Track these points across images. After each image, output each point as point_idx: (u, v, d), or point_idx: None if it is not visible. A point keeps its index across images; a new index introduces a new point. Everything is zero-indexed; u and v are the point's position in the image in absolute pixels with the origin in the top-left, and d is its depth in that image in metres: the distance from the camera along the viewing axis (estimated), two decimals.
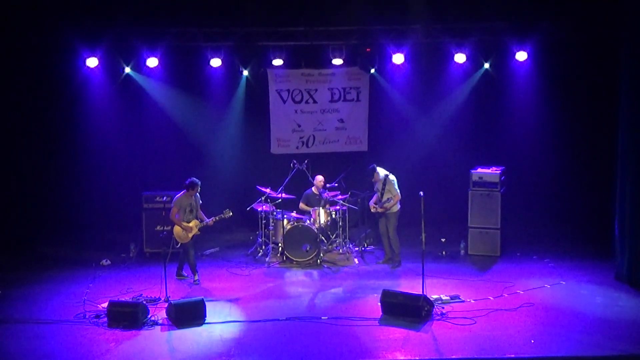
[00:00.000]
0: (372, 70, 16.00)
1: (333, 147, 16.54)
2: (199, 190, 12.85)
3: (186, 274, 13.12)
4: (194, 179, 12.79)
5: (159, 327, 10.82)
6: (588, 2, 14.19)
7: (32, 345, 10.16)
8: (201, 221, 12.93)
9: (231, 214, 13.05)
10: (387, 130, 16.54)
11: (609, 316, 11.00)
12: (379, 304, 11.20)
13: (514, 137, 16.05)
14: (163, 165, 16.16)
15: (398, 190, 13.56)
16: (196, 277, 12.93)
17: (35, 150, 15.58)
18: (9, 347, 10.11)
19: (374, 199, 13.86)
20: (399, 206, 13.68)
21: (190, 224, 12.82)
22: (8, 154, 15.28)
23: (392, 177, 13.63)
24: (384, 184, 13.57)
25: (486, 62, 15.65)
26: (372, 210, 13.92)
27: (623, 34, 12.73)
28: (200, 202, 12.99)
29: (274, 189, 14.51)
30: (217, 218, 12.97)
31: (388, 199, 13.52)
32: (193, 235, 12.87)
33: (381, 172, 13.68)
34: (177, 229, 12.84)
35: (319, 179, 14.71)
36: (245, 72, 16.05)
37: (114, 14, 14.42)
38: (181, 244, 12.90)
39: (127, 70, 15.52)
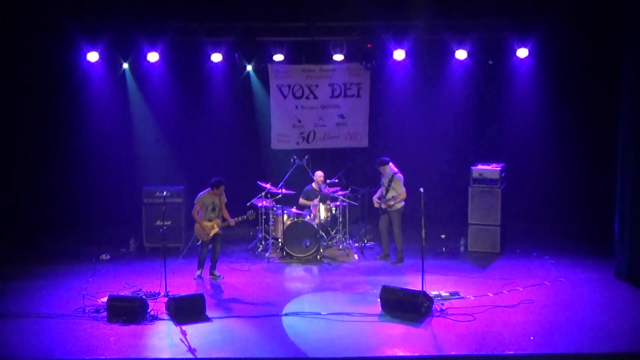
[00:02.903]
0: (369, 66, 15.95)
1: (333, 143, 16.52)
2: (223, 190, 12.80)
3: (218, 274, 13.03)
4: (220, 177, 12.72)
5: (158, 321, 10.82)
6: None
7: (32, 339, 10.17)
8: (223, 220, 12.89)
9: (254, 215, 13.14)
10: (388, 127, 16.52)
11: (609, 314, 11.00)
12: (379, 300, 11.21)
13: (515, 134, 16.03)
14: (163, 160, 16.16)
15: (404, 189, 13.56)
16: (199, 272, 12.92)
17: (35, 144, 15.57)
18: (8, 341, 10.12)
19: (378, 193, 13.88)
20: (403, 204, 13.68)
21: (211, 223, 12.77)
22: (8, 148, 15.26)
23: (399, 176, 13.62)
24: (390, 181, 13.59)
25: (487, 58, 15.63)
26: (375, 205, 13.93)
27: (624, 30, 12.71)
28: (226, 200, 12.97)
29: (274, 185, 14.52)
30: (239, 219, 12.93)
31: (393, 196, 13.53)
32: (215, 234, 12.82)
33: (392, 168, 13.70)
34: (196, 226, 12.82)
35: (319, 174, 14.72)
36: (249, 67, 16.06)
37: (114, 9, 14.40)
38: (202, 241, 12.90)
39: (127, 65, 15.53)
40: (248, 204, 14.39)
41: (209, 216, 12.77)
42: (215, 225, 12.79)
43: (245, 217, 13.01)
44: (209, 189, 12.74)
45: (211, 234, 12.78)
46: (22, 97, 15.16)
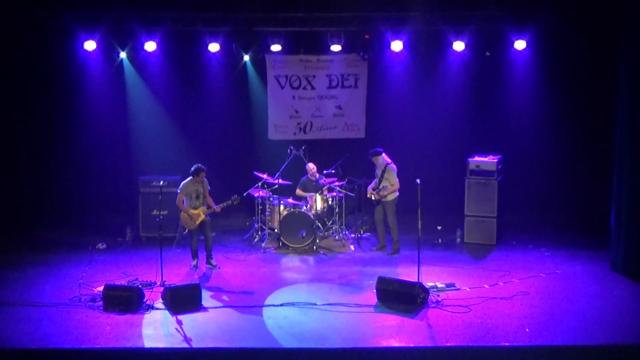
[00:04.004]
0: (366, 57, 15.92)
1: (330, 134, 16.50)
2: (205, 177, 12.82)
3: (215, 263, 13.05)
4: (200, 165, 12.74)
5: (154, 311, 10.83)
6: None
7: (28, 328, 10.17)
8: (208, 207, 12.90)
9: (239, 200, 13.07)
10: (385, 118, 16.50)
11: (604, 306, 11.02)
12: (374, 291, 11.22)
13: (512, 126, 16.03)
14: (160, 149, 16.14)
15: (397, 180, 13.57)
16: (195, 262, 12.93)
17: (32, 134, 15.52)
18: (4, 330, 10.12)
19: (373, 184, 13.89)
20: (397, 194, 13.69)
21: (197, 211, 12.79)
22: (4, 138, 15.21)
23: (392, 167, 13.62)
24: (383, 172, 13.60)
25: (485, 50, 15.61)
26: (368, 196, 13.93)
27: (623, 23, 12.69)
28: (209, 187, 12.98)
29: (271, 175, 14.51)
30: (224, 204, 12.91)
31: (384, 186, 13.55)
32: (201, 222, 12.84)
33: (385, 159, 13.69)
34: (183, 215, 12.84)
35: (311, 166, 14.73)
36: (246, 57, 16.02)
37: None
38: (188, 230, 12.92)
39: (125, 54, 15.50)
40: (245, 194, 14.38)
41: (194, 204, 12.80)
42: (201, 213, 12.81)
43: (229, 202, 12.95)
44: (190, 177, 12.76)
45: (198, 222, 12.80)
46: (19, 87, 15.07)
